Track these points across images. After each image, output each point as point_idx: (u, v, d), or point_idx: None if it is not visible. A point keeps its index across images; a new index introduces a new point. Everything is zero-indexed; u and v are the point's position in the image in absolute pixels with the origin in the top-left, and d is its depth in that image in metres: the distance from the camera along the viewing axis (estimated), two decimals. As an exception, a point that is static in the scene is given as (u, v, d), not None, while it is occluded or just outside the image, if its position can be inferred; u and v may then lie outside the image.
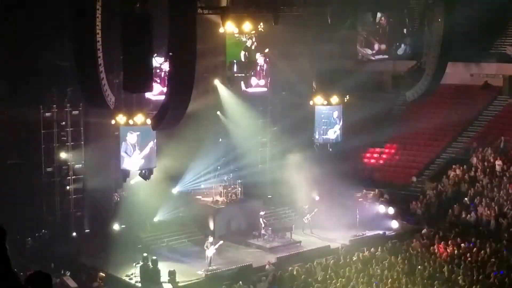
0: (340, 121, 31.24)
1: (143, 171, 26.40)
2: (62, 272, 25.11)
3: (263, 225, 29.80)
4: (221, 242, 26.72)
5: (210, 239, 26.92)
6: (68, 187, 28.70)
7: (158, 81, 25.52)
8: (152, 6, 21.97)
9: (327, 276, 24.05)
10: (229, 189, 31.68)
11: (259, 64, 29.79)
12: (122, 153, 25.44)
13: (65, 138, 28.60)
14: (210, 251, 26.45)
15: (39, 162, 28.07)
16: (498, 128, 36.20)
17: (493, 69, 37.70)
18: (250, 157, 33.66)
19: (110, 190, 29.19)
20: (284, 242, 29.54)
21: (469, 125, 37.71)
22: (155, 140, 25.30)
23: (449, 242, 27.19)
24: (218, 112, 32.49)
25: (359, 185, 34.28)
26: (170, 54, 22.22)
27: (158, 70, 25.47)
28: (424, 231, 29.57)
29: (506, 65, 37.47)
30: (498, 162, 33.11)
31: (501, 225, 28.29)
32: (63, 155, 28.60)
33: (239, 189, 31.96)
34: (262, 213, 30.53)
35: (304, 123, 32.50)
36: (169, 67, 22.95)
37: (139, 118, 25.64)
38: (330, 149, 31.62)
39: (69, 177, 28.80)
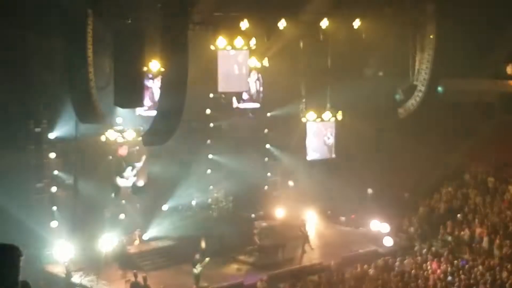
0: (332, 137, 31.16)
1: (135, 187, 26.31)
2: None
3: (257, 242, 29.60)
4: (208, 259, 26.45)
5: (197, 256, 26.71)
6: (57, 204, 28.39)
7: (150, 96, 25.47)
8: (144, 21, 21.91)
9: (320, 294, 23.84)
10: (221, 205, 31.48)
11: (252, 79, 29.80)
12: (113, 170, 25.34)
13: (55, 153, 28.34)
14: (197, 269, 26.21)
15: (28, 177, 27.81)
16: (490, 144, 36.18)
17: (485, 86, 37.74)
18: (242, 173, 33.52)
19: (101, 206, 28.91)
20: (276, 259, 29.29)
21: (462, 141, 37.68)
22: (144, 156, 25.19)
23: (442, 259, 27.05)
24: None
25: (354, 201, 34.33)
26: (162, 69, 22.13)
27: (149, 86, 25.42)
28: (416, 248, 29.45)
29: (499, 81, 37.53)
30: (491, 179, 33.10)
31: (494, 242, 28.16)
32: (53, 170, 28.35)
33: (231, 205, 31.76)
34: (256, 230, 30.35)
35: (296, 139, 32.44)
36: (160, 83, 22.84)
37: (130, 133, 25.54)
38: (323, 166, 31.56)
39: (59, 193, 28.52)
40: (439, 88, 35.20)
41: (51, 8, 23.20)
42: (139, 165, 26.06)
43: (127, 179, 26.26)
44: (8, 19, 24.49)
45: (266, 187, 34.95)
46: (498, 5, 35.29)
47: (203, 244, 28.51)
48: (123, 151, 25.45)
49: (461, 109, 37.21)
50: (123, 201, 29.08)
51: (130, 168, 26.03)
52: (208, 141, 32.55)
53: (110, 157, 26.02)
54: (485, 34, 36.30)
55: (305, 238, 30.71)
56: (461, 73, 36.78)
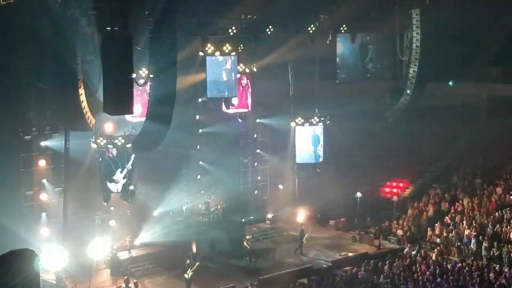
0: (321, 142, 31.39)
1: (125, 193, 26.37)
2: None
3: (247, 247, 29.72)
4: (197, 263, 26.54)
5: (187, 261, 26.80)
6: (47, 211, 28.40)
7: (139, 103, 25.58)
8: (133, 28, 22.01)
9: (310, 297, 23.97)
10: (212, 209, 31.59)
11: (241, 85, 30.01)
12: (103, 173, 25.42)
13: (45, 161, 28.37)
14: (188, 274, 26.29)
15: (18, 185, 27.83)
16: (477, 147, 36.51)
17: (472, 89, 38.07)
18: (232, 178, 33.66)
19: (91, 213, 28.95)
20: (267, 263, 29.41)
21: (449, 144, 38.00)
22: (131, 161, 25.33)
23: (431, 261, 27.25)
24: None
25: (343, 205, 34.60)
26: (151, 76, 22.24)
27: (139, 92, 25.53)
28: (406, 250, 29.68)
29: (486, 84, 37.87)
30: (478, 181, 33.39)
31: (482, 244, 28.41)
32: (43, 178, 28.36)
33: (221, 210, 31.87)
34: (248, 237, 30.48)
35: (285, 144, 32.67)
36: (149, 90, 22.95)
37: (120, 140, 25.64)
38: (312, 170, 31.79)
39: (49, 201, 28.55)
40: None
41: (40, 17, 23.26)
42: (128, 166, 26.13)
43: (117, 182, 26.31)
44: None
45: (256, 192, 35.12)
46: (483, 9, 35.68)
47: (194, 248, 28.59)
48: (112, 152, 25.59)
49: (448, 112, 37.53)
50: (112, 208, 29.14)
51: (119, 170, 26.11)
52: (198, 147, 32.66)
53: (100, 159, 26.05)
54: (471, 38, 36.69)
55: (301, 245, 30.87)
56: (448, 77, 37.14)
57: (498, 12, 39.14)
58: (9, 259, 9.71)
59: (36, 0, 23.12)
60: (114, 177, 25.88)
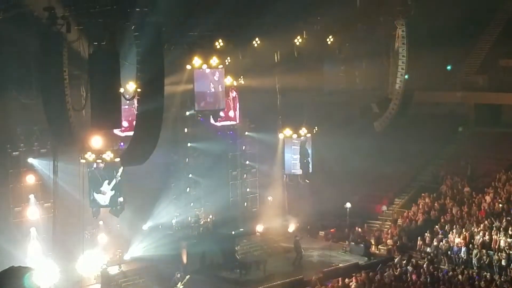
0: (309, 153, 31.45)
1: (114, 206, 26.25)
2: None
3: (238, 258, 29.67)
4: (188, 276, 26.45)
5: (178, 274, 26.71)
6: (36, 227, 28.23)
7: (127, 117, 25.54)
8: (119, 43, 22.01)
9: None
10: (201, 222, 31.52)
11: (229, 97, 30.03)
12: (90, 184, 25.36)
13: (33, 176, 28.25)
14: (179, 287, 26.19)
15: (7, 201, 27.69)
16: (465, 155, 36.67)
17: (458, 97, 38.30)
18: (222, 190, 33.63)
19: (80, 228, 28.80)
20: (258, 275, 29.35)
21: (438, 153, 38.18)
22: (119, 172, 25.29)
23: (422, 270, 27.30)
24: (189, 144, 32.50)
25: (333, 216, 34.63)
26: (138, 90, 22.22)
27: (126, 107, 25.49)
28: (396, 260, 29.70)
29: (471, 93, 38.12)
30: (467, 189, 33.50)
31: (472, 252, 28.49)
32: (31, 194, 28.23)
33: (211, 222, 31.80)
34: (237, 248, 30.42)
35: (274, 155, 32.70)
36: (137, 103, 22.92)
37: (108, 154, 25.59)
38: (301, 181, 31.83)
39: (38, 216, 28.38)
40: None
41: (26, 32, 23.24)
42: (117, 177, 26.04)
43: (104, 194, 26.19)
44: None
45: (245, 204, 35.10)
46: (469, 18, 35.97)
47: (184, 261, 28.48)
48: (100, 164, 25.54)
49: (436, 121, 37.73)
50: (101, 222, 29.02)
51: (107, 182, 26.01)
52: (187, 159, 32.63)
53: (88, 169, 25.95)
54: (457, 47, 36.97)
55: (299, 254, 30.87)
56: (435, 86, 37.36)
57: (484, 21, 39.52)
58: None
59: (23, 15, 23.06)
60: (101, 189, 25.77)
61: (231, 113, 31.23)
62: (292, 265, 30.63)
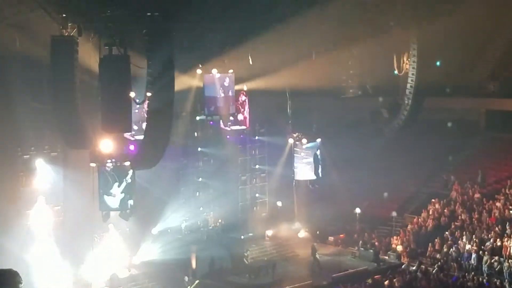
0: (319, 158, 31.40)
1: (123, 209, 26.27)
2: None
3: (247, 263, 29.69)
4: (197, 281, 26.46)
5: (186, 278, 26.72)
6: (46, 230, 28.33)
7: (137, 121, 25.62)
8: (130, 48, 22.09)
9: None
10: (210, 227, 31.54)
11: (238, 102, 30.07)
12: (100, 185, 25.39)
13: (43, 179, 28.35)
14: (188, 291, 26.28)
15: (17, 204, 27.78)
16: (476, 162, 36.48)
17: (469, 103, 38.12)
18: (231, 195, 33.64)
19: (90, 231, 28.89)
20: (266, 279, 29.33)
21: (447, 159, 37.99)
22: (129, 175, 25.31)
23: (431, 276, 27.16)
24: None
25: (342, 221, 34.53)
26: (149, 94, 22.30)
27: (136, 110, 25.58)
28: (405, 266, 29.58)
29: (482, 99, 37.92)
30: (477, 195, 33.32)
31: (482, 259, 28.33)
32: (41, 197, 28.33)
33: (220, 227, 31.82)
34: (246, 253, 30.41)
35: (283, 161, 32.68)
36: (147, 107, 23.00)
37: (118, 158, 25.63)
38: (311, 186, 31.77)
39: (48, 219, 28.48)
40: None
41: (38, 35, 23.38)
42: (126, 180, 26.07)
43: (114, 196, 26.20)
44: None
45: (255, 208, 35.08)
46: (480, 23, 35.78)
47: (193, 264, 28.48)
48: (109, 167, 25.57)
49: (446, 127, 37.55)
50: (110, 225, 29.07)
51: (117, 184, 26.06)
52: (197, 164, 32.69)
53: (98, 172, 26.00)
54: (468, 53, 36.79)
55: (316, 260, 30.84)
56: (445, 92, 37.19)
57: (496, 26, 39.32)
58: None
59: (34, 20, 23.21)
60: (111, 191, 25.81)
61: (240, 118, 31.26)
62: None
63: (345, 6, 26.14)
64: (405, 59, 29.54)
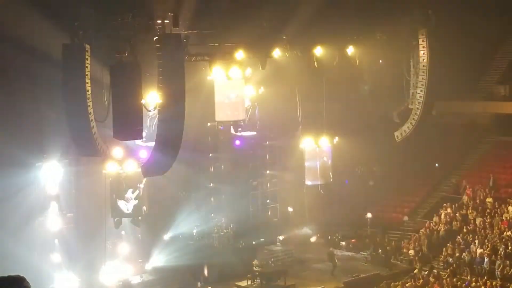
0: (330, 162, 31.36)
1: (136, 215, 26.41)
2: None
3: (259, 269, 29.68)
4: (209, 288, 26.55)
5: (199, 284, 26.77)
6: (59, 237, 28.45)
7: (148, 128, 25.72)
8: (141, 54, 22.22)
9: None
10: (222, 232, 31.57)
11: (248, 107, 30.10)
12: (113, 190, 25.49)
13: (56, 187, 28.48)
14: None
15: (29, 212, 27.91)
16: (487, 166, 36.37)
17: (479, 107, 38.02)
18: (242, 200, 33.66)
19: (102, 238, 28.99)
20: (279, 286, 29.31)
21: (459, 163, 37.89)
22: (143, 183, 25.43)
23: (444, 281, 27.09)
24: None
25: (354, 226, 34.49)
26: (160, 101, 22.40)
27: (147, 117, 25.69)
28: (417, 270, 29.50)
29: (493, 103, 37.81)
30: (489, 200, 33.21)
31: (495, 263, 28.22)
32: (53, 204, 28.46)
33: (232, 232, 31.84)
34: (258, 258, 30.42)
35: (294, 165, 32.68)
36: (158, 114, 23.10)
37: (130, 165, 25.76)
38: (322, 191, 31.72)
39: (61, 226, 28.60)
40: None
41: (50, 44, 23.52)
42: (140, 187, 26.19)
43: (128, 202, 26.33)
44: (7, 51, 24.90)
45: (266, 214, 35.05)
46: (491, 26, 35.70)
47: (205, 272, 28.52)
48: (121, 174, 25.72)
49: (457, 131, 37.45)
50: (123, 232, 29.18)
51: (131, 190, 26.16)
52: (208, 169, 32.75)
53: (111, 178, 26.11)
54: (478, 56, 36.71)
55: (334, 266, 30.86)
56: (455, 96, 37.09)
57: (506, 29, 39.20)
58: None
59: (46, 30, 23.36)
60: (126, 195, 25.95)
61: (251, 123, 31.29)
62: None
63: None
64: (415, 63, 29.49)
